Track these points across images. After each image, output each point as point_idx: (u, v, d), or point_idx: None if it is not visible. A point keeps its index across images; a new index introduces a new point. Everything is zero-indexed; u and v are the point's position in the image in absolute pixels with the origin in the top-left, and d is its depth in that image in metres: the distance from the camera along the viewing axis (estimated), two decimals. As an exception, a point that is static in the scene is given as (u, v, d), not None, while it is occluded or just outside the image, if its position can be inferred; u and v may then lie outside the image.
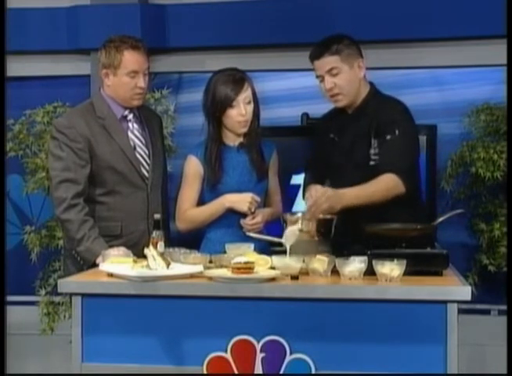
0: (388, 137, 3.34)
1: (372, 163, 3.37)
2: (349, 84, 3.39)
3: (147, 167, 3.62)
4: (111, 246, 3.41)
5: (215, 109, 3.46)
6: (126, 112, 3.62)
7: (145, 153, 3.63)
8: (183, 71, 4.99)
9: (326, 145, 3.54)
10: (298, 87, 4.89)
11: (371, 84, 3.49)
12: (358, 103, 3.45)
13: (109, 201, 3.55)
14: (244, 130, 3.50)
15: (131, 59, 3.52)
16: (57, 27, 4.85)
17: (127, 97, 3.57)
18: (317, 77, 3.43)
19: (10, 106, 4.61)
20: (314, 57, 3.42)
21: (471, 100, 4.59)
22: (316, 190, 3.22)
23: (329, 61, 3.37)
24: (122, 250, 3.35)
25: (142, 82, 3.55)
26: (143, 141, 3.64)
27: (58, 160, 3.51)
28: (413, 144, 3.46)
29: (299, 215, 3.31)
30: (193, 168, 3.53)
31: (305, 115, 4.77)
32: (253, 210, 3.47)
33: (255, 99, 3.51)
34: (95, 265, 3.29)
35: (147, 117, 3.72)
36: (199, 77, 4.93)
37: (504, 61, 4.13)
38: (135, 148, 3.60)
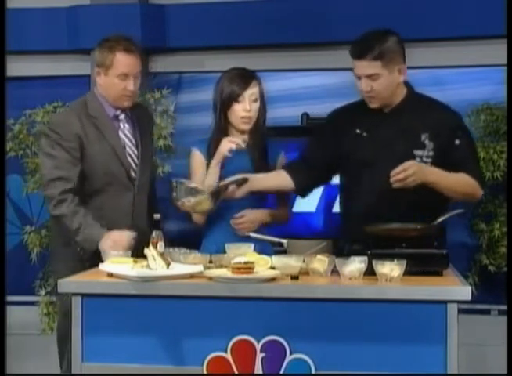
0: (457, 142, 3.32)
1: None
2: (386, 89, 3.31)
3: (135, 168, 3.62)
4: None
5: (222, 103, 3.50)
6: (118, 112, 3.62)
7: (134, 153, 3.64)
8: (183, 71, 4.99)
9: (350, 140, 3.43)
10: (298, 87, 4.89)
11: (407, 84, 3.42)
12: (397, 103, 3.38)
13: (95, 201, 3.55)
14: (247, 127, 3.51)
15: (123, 61, 3.53)
16: (57, 27, 4.85)
17: (116, 97, 3.58)
18: (354, 73, 3.33)
19: (10, 106, 4.62)
20: (355, 56, 3.29)
21: (471, 100, 4.58)
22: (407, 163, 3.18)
23: (370, 66, 3.26)
24: (125, 235, 3.35)
25: (131, 85, 3.55)
26: (133, 141, 3.65)
27: (49, 159, 3.52)
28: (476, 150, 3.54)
29: None
30: (198, 160, 3.56)
31: (305, 115, 4.77)
32: (231, 152, 3.43)
33: (262, 99, 3.53)
34: (96, 253, 3.30)
35: (140, 117, 3.72)
36: (199, 77, 4.94)
37: (504, 61, 4.13)
38: (124, 148, 3.61)
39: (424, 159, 3.30)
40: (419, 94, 3.46)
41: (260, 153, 3.56)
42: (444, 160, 3.30)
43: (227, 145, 3.44)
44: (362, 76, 3.30)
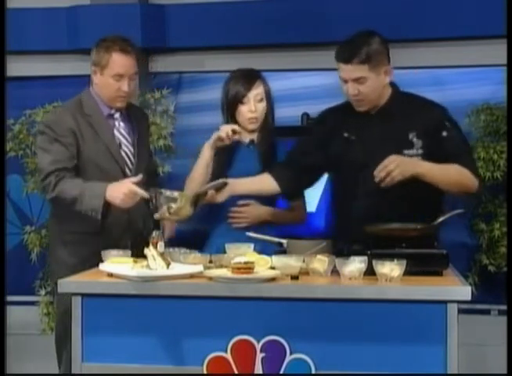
0: (445, 134, 3.29)
1: None
2: (373, 92, 3.29)
3: (131, 166, 3.62)
4: (90, 243, 3.42)
5: (228, 105, 3.54)
6: (112, 111, 3.63)
7: (130, 151, 3.64)
8: (183, 71, 5.00)
9: (338, 143, 3.41)
10: (298, 87, 4.90)
11: (392, 84, 3.40)
12: (383, 104, 3.36)
13: None
14: (254, 127, 3.54)
15: (118, 61, 3.53)
16: (57, 27, 4.85)
17: (110, 97, 3.59)
18: (340, 77, 3.31)
19: (10, 106, 4.62)
20: (341, 60, 3.26)
21: (471, 100, 4.58)
22: (388, 158, 3.15)
23: (357, 70, 3.23)
24: (132, 186, 3.29)
25: (125, 86, 3.55)
26: (129, 140, 3.66)
27: (47, 153, 3.51)
28: (466, 140, 3.48)
29: None
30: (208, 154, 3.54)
31: (305, 115, 4.77)
32: (229, 140, 3.45)
33: (268, 98, 3.56)
34: (106, 212, 3.33)
35: (136, 116, 3.73)
36: (199, 77, 4.94)
37: (504, 61, 4.13)
38: (120, 146, 3.61)
39: (415, 158, 3.29)
40: (403, 93, 3.45)
41: (268, 152, 3.57)
42: (436, 155, 3.27)
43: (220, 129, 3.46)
44: (349, 80, 3.28)
